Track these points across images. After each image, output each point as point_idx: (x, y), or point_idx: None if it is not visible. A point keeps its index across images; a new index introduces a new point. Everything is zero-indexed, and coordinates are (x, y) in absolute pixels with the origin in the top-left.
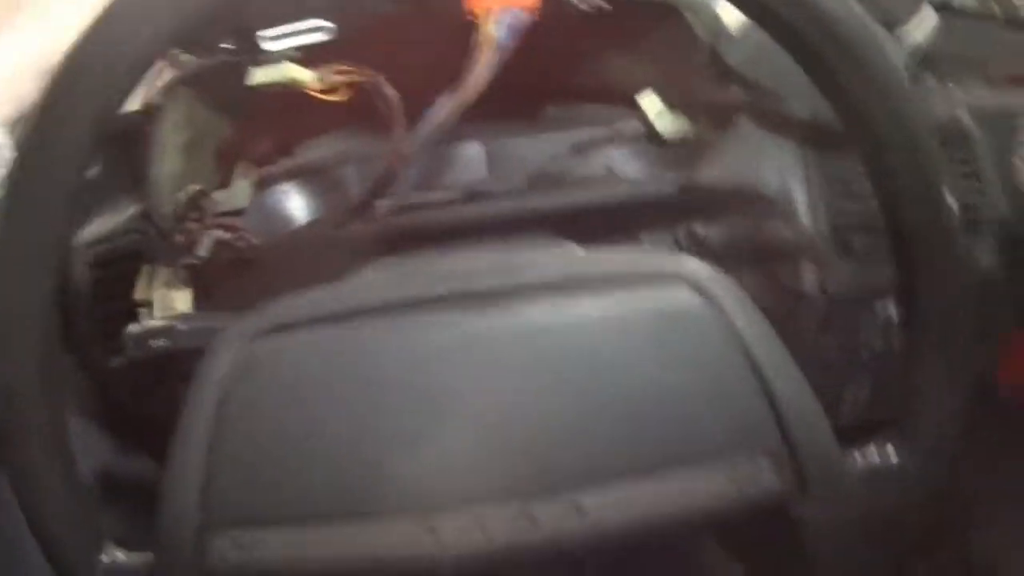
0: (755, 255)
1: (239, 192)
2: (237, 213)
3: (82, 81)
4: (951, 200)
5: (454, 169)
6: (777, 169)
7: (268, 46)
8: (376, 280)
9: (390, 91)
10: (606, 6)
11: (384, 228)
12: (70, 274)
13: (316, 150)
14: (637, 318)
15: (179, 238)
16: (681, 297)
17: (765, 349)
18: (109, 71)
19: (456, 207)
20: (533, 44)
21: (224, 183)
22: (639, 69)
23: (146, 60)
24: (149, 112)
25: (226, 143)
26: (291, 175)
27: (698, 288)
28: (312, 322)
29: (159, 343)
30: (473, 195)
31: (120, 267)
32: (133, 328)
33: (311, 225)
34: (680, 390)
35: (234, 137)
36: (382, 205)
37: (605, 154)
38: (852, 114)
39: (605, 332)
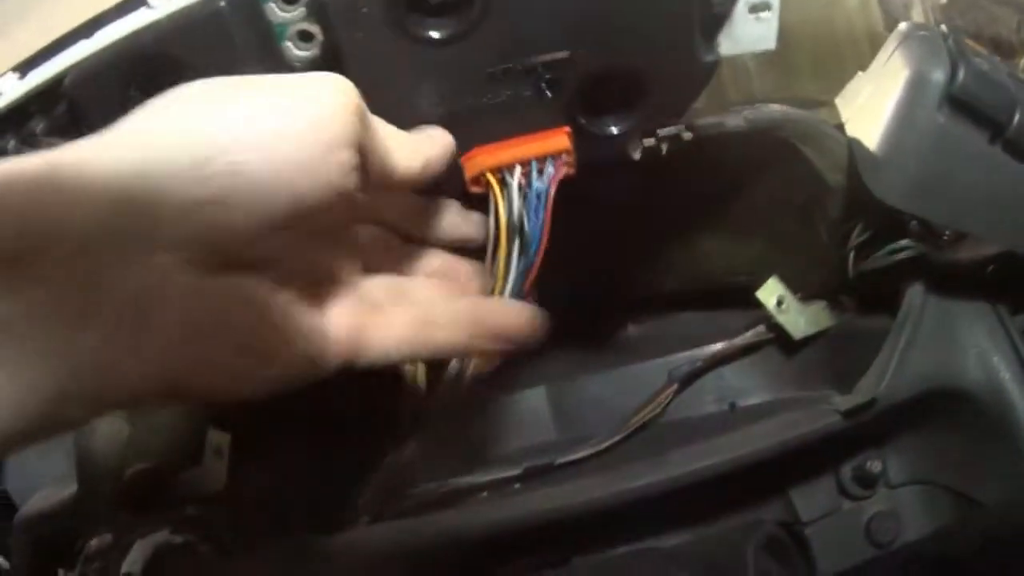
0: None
1: (211, 470)
2: (210, 500)
3: None
4: None
5: (507, 428)
6: (976, 351)
7: None
8: None
9: None
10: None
11: (406, 533)
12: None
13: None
14: None
15: (101, 538)
16: None
17: None
18: None
19: (510, 496)
20: (595, 234)
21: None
22: (744, 247)
23: None
24: None
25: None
26: (279, 451)
27: None
28: None
29: None
30: (536, 471)
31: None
32: None
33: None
34: None
35: None
36: (409, 494)
37: (718, 380)
38: None
39: None
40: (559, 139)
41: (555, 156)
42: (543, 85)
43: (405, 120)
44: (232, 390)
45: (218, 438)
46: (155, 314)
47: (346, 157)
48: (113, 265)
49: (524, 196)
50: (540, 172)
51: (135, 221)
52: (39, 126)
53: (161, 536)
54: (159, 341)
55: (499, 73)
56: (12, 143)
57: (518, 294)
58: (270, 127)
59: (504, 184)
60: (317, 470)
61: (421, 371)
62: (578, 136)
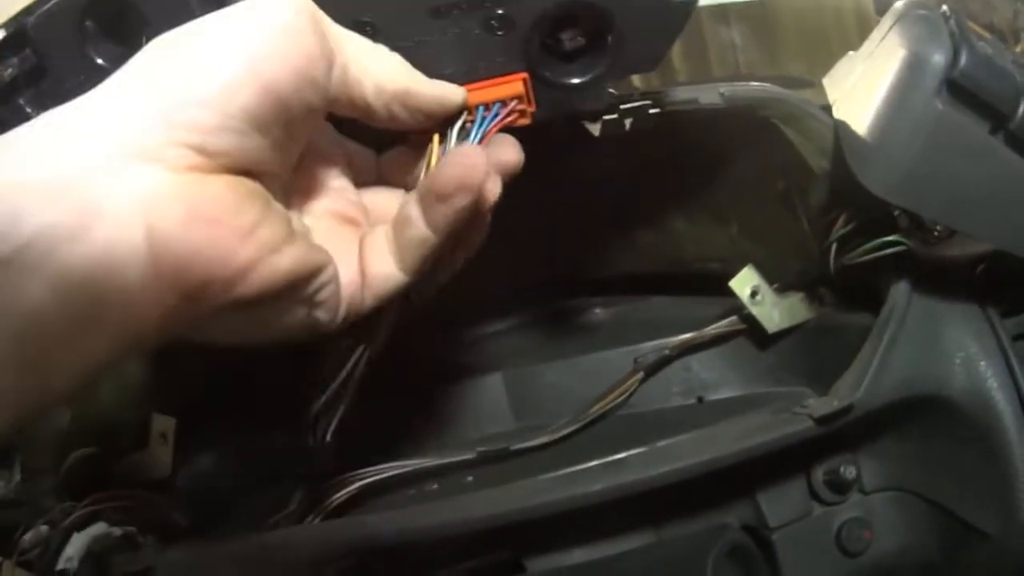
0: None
1: (156, 455)
2: (155, 486)
3: None
4: None
5: (462, 416)
6: (962, 356)
7: None
8: None
9: None
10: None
11: (351, 531)
12: None
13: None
14: None
15: (36, 530)
16: None
17: None
18: None
19: (461, 493)
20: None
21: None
22: (719, 232)
23: None
24: None
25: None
26: (223, 437)
27: None
28: None
29: None
30: (490, 456)
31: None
32: None
33: (248, 512)
34: None
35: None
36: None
37: (685, 372)
38: None
39: None
40: (513, 85)
41: (505, 102)
42: (493, 22)
43: None
44: (244, 284)
45: (163, 423)
46: (156, 213)
47: (309, 43)
48: (106, 184)
49: (464, 138)
50: (484, 119)
51: (122, 146)
52: (7, 71)
53: (99, 529)
54: (161, 233)
55: (443, 7)
56: None
57: None
58: (234, 26)
59: (444, 136)
60: (259, 457)
61: None
62: (540, 86)
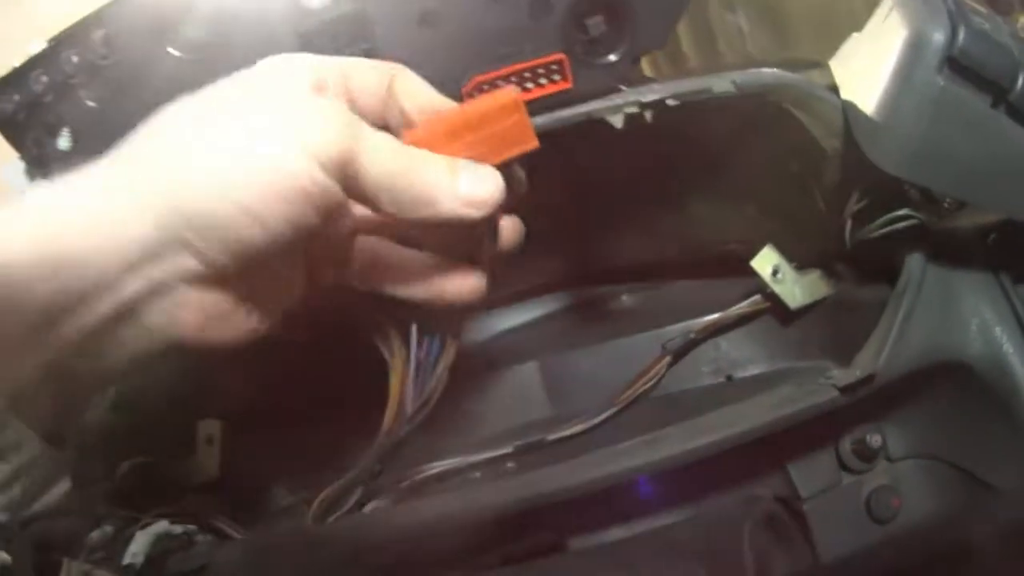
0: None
1: (204, 459)
2: (204, 489)
3: None
4: None
5: (498, 405)
6: (977, 323)
7: None
8: None
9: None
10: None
11: (400, 518)
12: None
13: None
14: None
15: (102, 530)
16: None
17: None
18: None
19: (504, 478)
20: (584, 202)
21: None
22: (737, 214)
23: None
24: None
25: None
26: (269, 436)
27: None
28: None
29: None
30: (527, 448)
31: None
32: None
33: (292, 512)
34: None
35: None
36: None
37: (714, 351)
38: None
39: None
40: (554, 56)
41: (550, 67)
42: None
43: None
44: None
45: (209, 427)
46: (170, 314)
47: (309, 196)
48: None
49: None
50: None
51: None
52: (70, 61)
53: (160, 527)
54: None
55: None
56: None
57: None
58: (246, 167)
59: None
60: (306, 453)
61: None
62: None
